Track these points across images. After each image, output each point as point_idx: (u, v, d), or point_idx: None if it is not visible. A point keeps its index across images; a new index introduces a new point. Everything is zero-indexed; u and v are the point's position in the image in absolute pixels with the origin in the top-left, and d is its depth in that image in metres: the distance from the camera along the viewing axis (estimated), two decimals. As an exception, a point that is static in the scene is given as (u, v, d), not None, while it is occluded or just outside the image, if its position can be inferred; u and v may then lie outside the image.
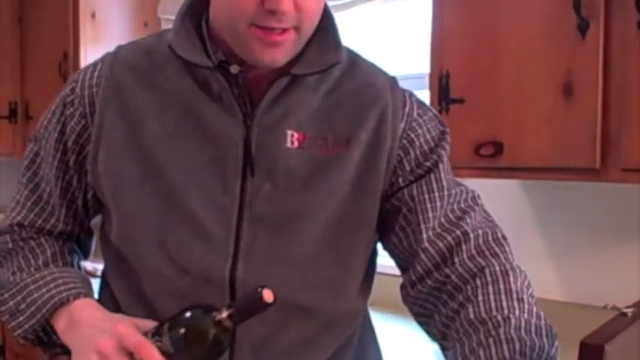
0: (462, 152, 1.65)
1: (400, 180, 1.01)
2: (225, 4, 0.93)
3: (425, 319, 1.01)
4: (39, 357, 2.49)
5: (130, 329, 0.88)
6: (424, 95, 1.72)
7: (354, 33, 2.32)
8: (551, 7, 1.50)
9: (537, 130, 1.53)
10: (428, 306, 0.99)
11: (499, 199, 1.97)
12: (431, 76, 1.72)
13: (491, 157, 1.60)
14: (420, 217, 0.99)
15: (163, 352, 0.85)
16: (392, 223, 1.03)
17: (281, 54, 0.92)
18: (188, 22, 0.99)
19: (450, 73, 1.68)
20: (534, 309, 0.90)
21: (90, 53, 2.54)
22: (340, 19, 2.30)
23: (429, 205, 1.00)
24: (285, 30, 0.91)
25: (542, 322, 0.88)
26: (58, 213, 1.06)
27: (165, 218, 0.96)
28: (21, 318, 1.01)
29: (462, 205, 1.01)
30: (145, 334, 0.88)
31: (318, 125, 0.99)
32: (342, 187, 0.98)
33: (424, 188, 1.01)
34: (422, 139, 1.02)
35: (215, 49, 0.96)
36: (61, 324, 0.98)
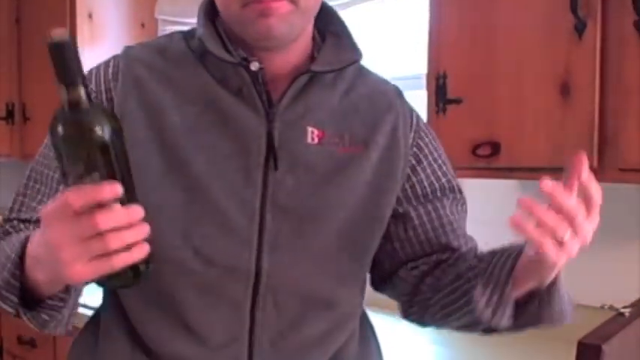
0: (460, 153, 1.65)
1: (418, 188, 1.07)
2: None
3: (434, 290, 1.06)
4: (36, 358, 2.49)
5: (51, 204, 0.75)
6: (421, 96, 1.73)
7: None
8: (548, 7, 1.50)
9: (535, 130, 1.53)
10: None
11: (496, 199, 1.97)
12: (428, 76, 1.72)
13: (488, 158, 1.61)
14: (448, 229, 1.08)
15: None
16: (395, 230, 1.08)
17: (276, 23, 0.93)
18: (208, 20, 1.01)
19: (447, 73, 1.68)
20: None
21: (87, 54, 2.53)
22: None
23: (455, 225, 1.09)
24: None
25: None
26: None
27: (189, 210, 0.96)
28: None
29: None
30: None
31: (336, 124, 1.02)
32: (361, 187, 1.01)
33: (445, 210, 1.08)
34: (431, 147, 1.09)
35: (235, 47, 0.98)
36: (28, 262, 0.85)
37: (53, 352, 2.38)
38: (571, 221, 0.82)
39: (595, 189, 0.82)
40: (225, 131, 0.98)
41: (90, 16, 2.60)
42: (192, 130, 0.97)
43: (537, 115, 1.52)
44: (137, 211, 0.74)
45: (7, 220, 1.02)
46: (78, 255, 0.72)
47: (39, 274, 0.83)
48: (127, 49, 1.04)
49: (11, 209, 1.02)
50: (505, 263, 0.93)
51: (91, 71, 1.04)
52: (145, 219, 0.96)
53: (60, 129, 0.72)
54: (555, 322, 0.96)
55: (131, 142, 0.96)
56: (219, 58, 0.97)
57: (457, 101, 1.66)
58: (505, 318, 0.95)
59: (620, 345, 0.94)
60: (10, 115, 2.88)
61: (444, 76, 1.68)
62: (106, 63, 1.03)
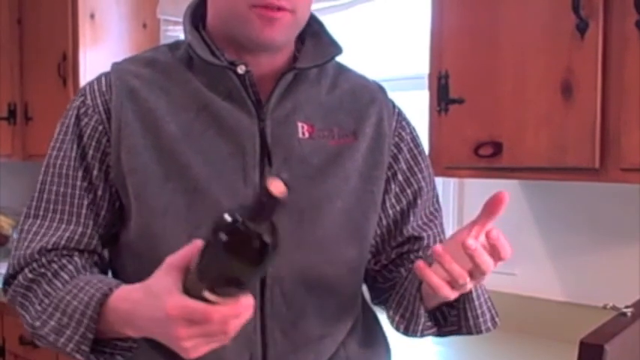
0: (461, 152, 1.65)
1: (393, 184, 1.11)
2: None
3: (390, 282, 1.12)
4: (38, 358, 2.49)
5: (179, 302, 0.82)
6: (423, 95, 1.72)
7: (353, 33, 2.32)
8: (551, 7, 1.50)
9: (536, 130, 1.53)
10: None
11: (498, 199, 1.97)
12: (430, 76, 1.72)
13: (490, 158, 1.60)
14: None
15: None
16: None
17: (278, 32, 0.99)
18: (193, 28, 1.05)
19: (449, 73, 1.68)
20: None
21: (89, 54, 2.53)
22: (339, 19, 2.30)
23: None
24: (281, 8, 0.97)
25: None
26: (83, 228, 1.03)
27: (192, 212, 0.99)
28: (68, 332, 0.94)
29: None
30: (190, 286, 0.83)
31: (324, 118, 1.07)
32: (354, 176, 1.06)
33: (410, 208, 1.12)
34: (408, 137, 1.13)
35: (221, 52, 1.02)
36: (113, 319, 0.92)
37: (55, 352, 2.38)
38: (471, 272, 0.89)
39: (502, 246, 0.88)
40: (220, 134, 1.01)
41: (92, 16, 2.60)
42: (188, 135, 1.01)
43: (539, 115, 1.52)
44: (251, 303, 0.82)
45: (43, 251, 1.01)
46: (200, 344, 0.82)
47: (129, 331, 0.90)
48: (116, 65, 1.08)
49: (31, 239, 1.02)
50: (413, 280, 1.00)
51: (84, 88, 1.07)
52: (151, 222, 1.00)
53: (238, 248, 0.78)
54: (473, 332, 1.04)
55: (131, 151, 1.00)
56: (208, 62, 1.01)
57: (459, 101, 1.66)
58: (420, 329, 1.04)
59: (622, 345, 0.94)
60: (11, 115, 2.89)
61: (446, 76, 1.68)
62: (98, 79, 1.07)
